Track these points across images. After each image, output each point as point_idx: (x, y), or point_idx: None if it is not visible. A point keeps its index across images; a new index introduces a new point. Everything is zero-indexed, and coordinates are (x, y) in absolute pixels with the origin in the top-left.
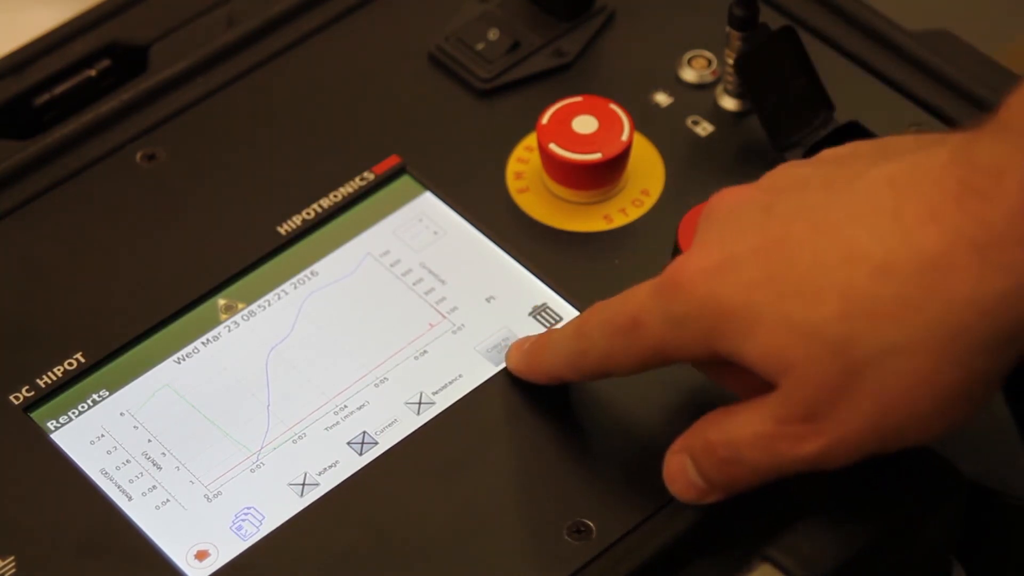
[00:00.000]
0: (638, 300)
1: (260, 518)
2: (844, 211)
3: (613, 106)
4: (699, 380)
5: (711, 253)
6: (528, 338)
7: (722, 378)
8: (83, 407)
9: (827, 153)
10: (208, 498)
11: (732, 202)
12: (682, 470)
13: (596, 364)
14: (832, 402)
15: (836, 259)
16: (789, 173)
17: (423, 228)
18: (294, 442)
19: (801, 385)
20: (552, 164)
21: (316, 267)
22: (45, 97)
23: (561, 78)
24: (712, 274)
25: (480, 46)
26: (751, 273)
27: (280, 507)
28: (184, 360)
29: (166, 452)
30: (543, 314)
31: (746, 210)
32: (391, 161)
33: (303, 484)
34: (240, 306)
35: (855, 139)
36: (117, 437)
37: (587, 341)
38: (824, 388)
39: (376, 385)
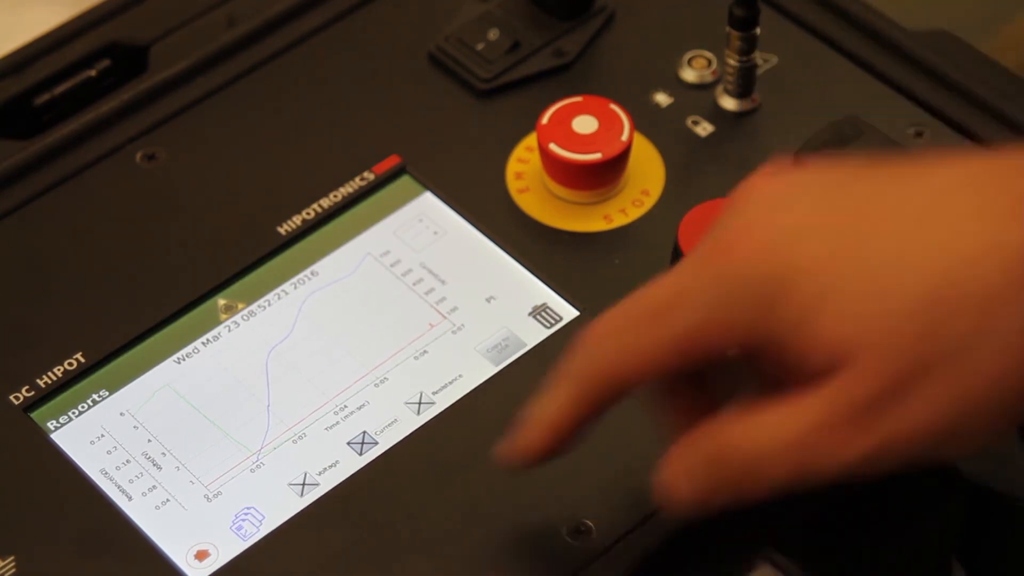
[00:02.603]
0: (671, 282)
1: (260, 518)
2: (924, 202)
3: (613, 106)
4: None
5: (772, 221)
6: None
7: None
8: (83, 407)
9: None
10: (208, 498)
11: (779, 186)
12: (680, 477)
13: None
14: (901, 394)
15: (921, 247)
16: (843, 165)
17: (423, 228)
18: (294, 442)
19: (869, 374)
20: (552, 164)
21: (316, 267)
22: (45, 97)
23: (561, 78)
24: (779, 237)
25: (480, 46)
26: (826, 242)
27: (280, 507)
28: (184, 360)
29: (166, 452)
30: (543, 314)
31: (808, 188)
32: (391, 161)
33: (303, 484)
34: (240, 306)
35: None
36: (117, 437)
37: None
38: (896, 378)
39: (376, 385)
